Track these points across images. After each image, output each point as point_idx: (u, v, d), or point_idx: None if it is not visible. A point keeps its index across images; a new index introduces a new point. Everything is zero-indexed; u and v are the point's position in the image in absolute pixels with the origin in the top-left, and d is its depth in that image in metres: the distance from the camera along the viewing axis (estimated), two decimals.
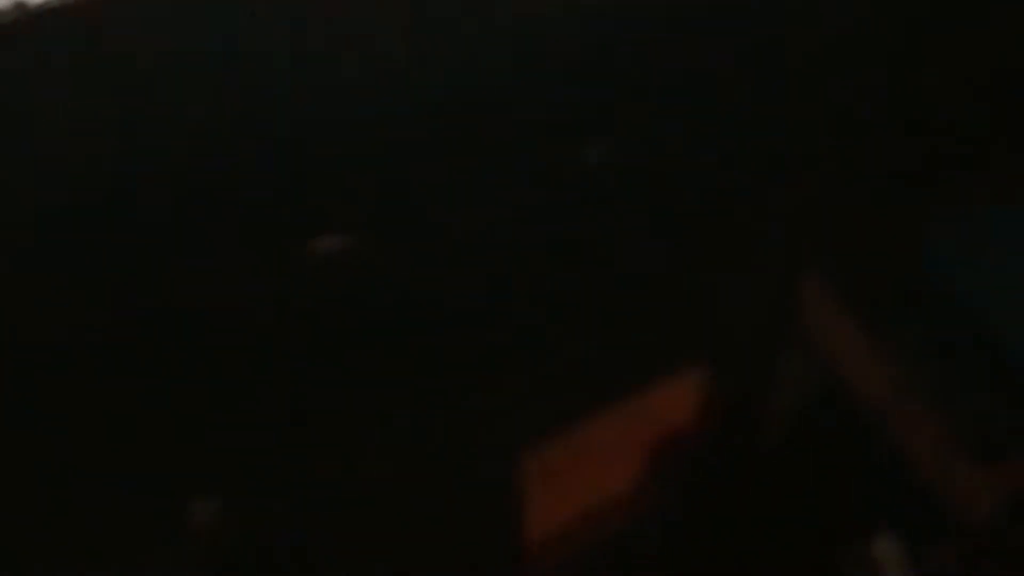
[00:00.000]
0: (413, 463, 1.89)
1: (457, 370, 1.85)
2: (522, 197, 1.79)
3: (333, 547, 1.96)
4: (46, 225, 1.24)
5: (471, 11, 1.46)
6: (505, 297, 1.84)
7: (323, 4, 1.37)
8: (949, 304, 2.09)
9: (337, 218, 1.53)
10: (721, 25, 1.72)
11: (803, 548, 2.43)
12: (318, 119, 1.42)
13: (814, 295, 2.14)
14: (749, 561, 2.44)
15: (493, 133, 1.58)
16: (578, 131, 1.70)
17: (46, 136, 1.17)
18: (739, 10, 1.73)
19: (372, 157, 1.48)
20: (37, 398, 1.38)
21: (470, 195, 1.64)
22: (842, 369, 2.23)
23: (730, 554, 2.45)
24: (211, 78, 1.28)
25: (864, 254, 2.26)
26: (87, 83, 1.18)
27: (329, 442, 1.76)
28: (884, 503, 2.34)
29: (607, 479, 2.55)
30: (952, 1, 1.89)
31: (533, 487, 2.31)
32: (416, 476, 1.94)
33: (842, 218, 2.09)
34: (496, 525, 2.38)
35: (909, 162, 2.01)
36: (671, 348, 2.26)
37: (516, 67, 1.53)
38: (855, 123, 1.97)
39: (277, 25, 1.31)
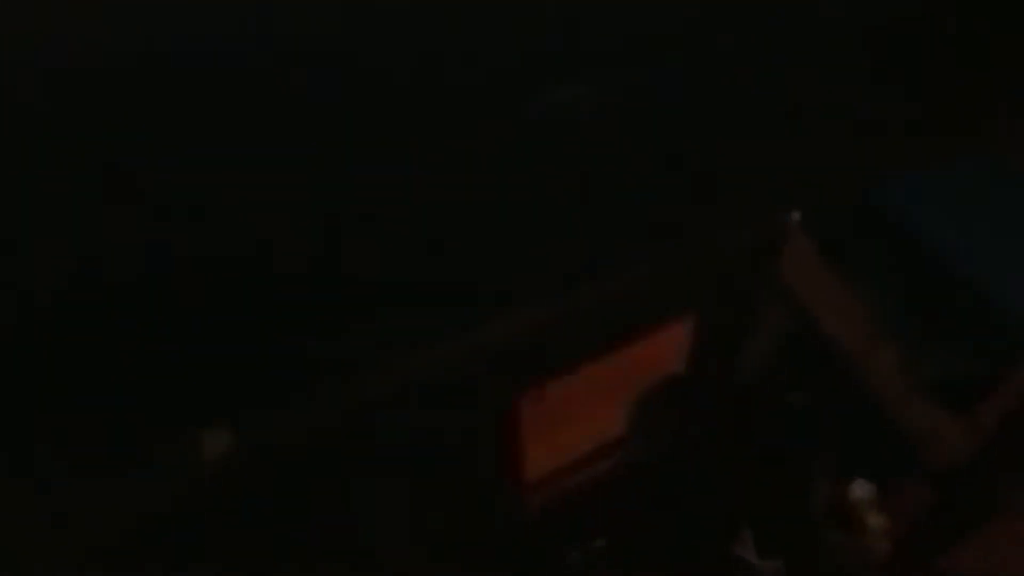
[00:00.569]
0: (414, 409, 1.97)
1: (455, 317, 1.90)
2: (527, 145, 1.81)
3: (337, 483, 2.08)
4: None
5: None
6: (504, 247, 1.88)
7: None
8: (923, 255, 2.11)
9: None
10: None
11: (781, 490, 2.52)
12: None
13: (793, 247, 2.18)
14: (730, 499, 2.54)
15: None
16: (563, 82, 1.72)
17: None
18: None
19: None
20: (48, 332, 1.46)
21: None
22: (818, 318, 2.27)
23: (712, 492, 2.55)
24: None
25: (840, 207, 2.28)
26: None
27: (334, 381, 1.83)
28: (858, 448, 2.41)
29: (599, 422, 2.65)
30: None
31: (529, 430, 2.38)
32: (416, 421, 2.02)
33: (819, 173, 2.11)
34: (493, 466, 2.48)
35: (880, 118, 2.02)
36: (659, 300, 2.31)
37: None
38: (835, 83, 1.98)
39: None
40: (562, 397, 2.37)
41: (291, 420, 1.83)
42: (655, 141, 1.95)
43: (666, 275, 2.18)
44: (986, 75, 2.03)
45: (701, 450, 2.54)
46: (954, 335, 2.11)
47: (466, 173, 1.80)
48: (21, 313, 1.47)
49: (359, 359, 1.86)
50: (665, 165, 1.98)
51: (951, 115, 2.07)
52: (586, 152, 1.90)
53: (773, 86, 1.98)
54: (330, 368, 1.84)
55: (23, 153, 1.29)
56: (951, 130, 2.10)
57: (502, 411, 2.26)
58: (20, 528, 1.62)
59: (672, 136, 1.96)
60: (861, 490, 2.36)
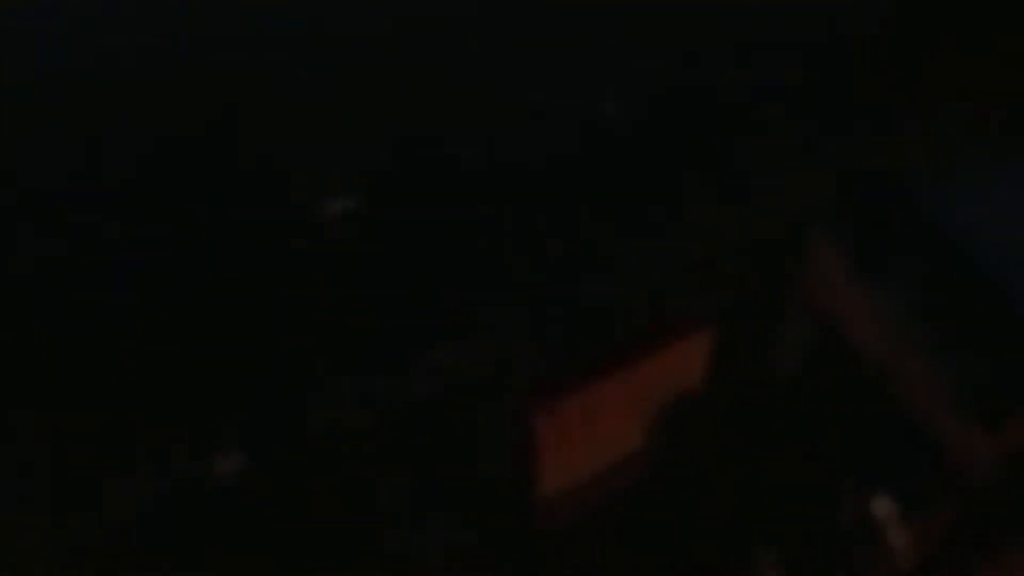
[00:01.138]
0: (431, 424, 1.94)
1: (473, 334, 1.88)
2: (538, 154, 1.82)
3: (351, 502, 2.03)
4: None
5: None
6: (522, 265, 1.87)
7: None
8: (955, 264, 2.09)
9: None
10: None
11: (805, 506, 2.47)
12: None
13: (817, 257, 2.16)
14: (752, 516, 2.49)
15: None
16: (597, 86, 1.75)
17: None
18: None
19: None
20: (72, 356, 1.45)
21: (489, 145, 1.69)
22: (843, 330, 2.25)
23: (733, 509, 2.49)
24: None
25: (864, 216, 2.27)
26: None
27: (350, 403, 1.81)
28: (883, 461, 2.37)
29: (617, 438, 2.61)
30: None
31: (547, 446, 2.35)
32: (434, 436, 1.98)
33: (843, 182, 2.11)
34: (511, 481, 2.43)
35: (903, 127, 2.02)
36: (680, 314, 2.29)
37: None
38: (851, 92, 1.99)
39: None
40: (580, 410, 2.33)
41: (307, 433, 1.80)
42: (679, 148, 1.96)
43: (686, 285, 2.17)
44: (1003, 75, 2.04)
45: (721, 465, 2.50)
46: (985, 348, 2.09)
47: (485, 182, 1.80)
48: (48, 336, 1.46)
49: (380, 368, 1.84)
50: (687, 173, 1.98)
51: (991, 120, 2.08)
52: (600, 159, 1.90)
53: (799, 92, 1.99)
54: (355, 375, 1.81)
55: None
56: (983, 137, 2.11)
57: (520, 424, 2.23)
58: (35, 532, 1.57)
59: (696, 143, 1.97)
60: (885, 508, 2.31)
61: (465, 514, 2.21)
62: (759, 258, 2.11)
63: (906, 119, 2.13)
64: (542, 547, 2.52)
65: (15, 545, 1.53)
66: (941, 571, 2.37)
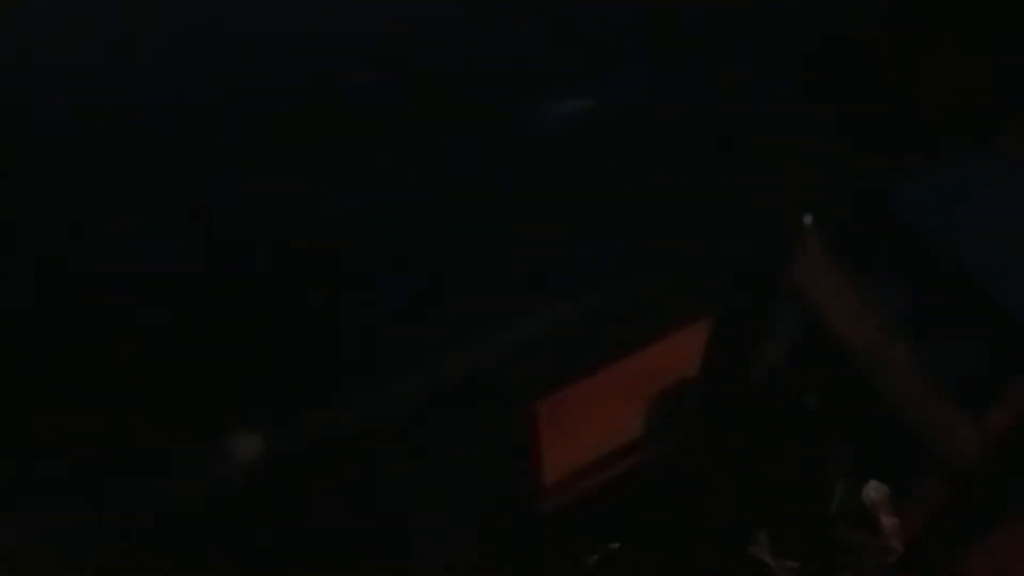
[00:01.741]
0: (437, 414, 2.00)
1: (476, 324, 1.93)
2: (542, 151, 1.85)
3: (361, 487, 2.12)
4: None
5: None
6: (520, 260, 1.92)
7: None
8: (935, 255, 2.13)
9: None
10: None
11: (796, 491, 2.54)
12: None
13: (806, 249, 2.21)
14: (745, 500, 2.57)
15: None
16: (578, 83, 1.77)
17: None
18: None
19: None
20: (83, 337, 1.50)
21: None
22: (831, 320, 2.30)
23: (727, 494, 2.58)
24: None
25: (852, 209, 2.31)
26: None
27: (361, 388, 1.86)
28: (871, 448, 2.43)
29: (615, 425, 2.68)
30: None
31: (546, 433, 2.41)
32: (439, 425, 2.05)
33: (832, 176, 2.15)
34: (513, 467, 2.51)
35: (890, 124, 2.06)
36: (674, 305, 2.34)
37: None
38: (844, 91, 2.03)
39: None
40: (579, 400, 2.39)
41: (320, 422, 1.86)
42: (668, 146, 1.99)
43: (681, 280, 2.21)
44: (993, 76, 2.07)
45: (716, 452, 2.57)
46: (966, 336, 2.14)
47: (485, 180, 1.84)
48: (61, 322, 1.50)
49: (385, 363, 1.89)
50: (678, 170, 2.01)
51: (960, 116, 2.11)
52: (600, 158, 1.94)
53: (782, 89, 2.03)
54: (359, 372, 1.87)
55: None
56: (960, 131, 2.14)
57: (520, 414, 2.29)
58: (44, 529, 1.65)
59: (685, 141, 2.00)
60: (875, 491, 2.38)
61: (465, 505, 2.27)
62: (753, 253, 2.15)
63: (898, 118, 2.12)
64: (540, 536, 2.61)
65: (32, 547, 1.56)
66: (929, 554, 2.43)
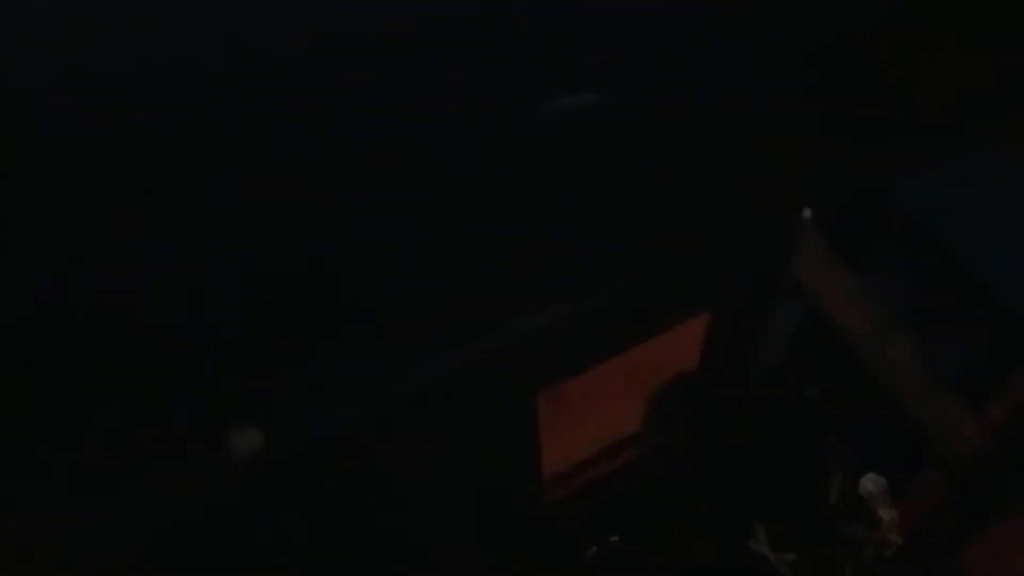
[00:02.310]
0: (441, 407, 2.00)
1: (480, 317, 1.93)
2: (539, 149, 1.85)
3: (362, 479, 2.12)
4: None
5: None
6: (521, 256, 1.92)
7: None
8: (936, 250, 2.14)
9: None
10: None
11: (795, 483, 2.55)
12: None
13: (806, 243, 2.21)
14: (744, 493, 2.58)
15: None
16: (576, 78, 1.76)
17: None
18: None
19: None
20: (89, 323, 1.50)
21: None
22: (832, 313, 2.31)
23: (726, 486, 2.58)
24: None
25: (852, 204, 2.31)
26: None
27: (362, 382, 1.86)
28: (871, 441, 2.44)
29: (615, 419, 2.69)
30: None
31: (545, 427, 2.42)
32: (443, 417, 2.06)
33: (832, 172, 2.15)
34: (515, 458, 2.51)
35: (890, 120, 2.06)
36: (675, 299, 2.34)
37: None
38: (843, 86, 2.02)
39: None
40: (579, 394, 2.40)
41: (319, 418, 1.86)
42: (668, 142, 1.99)
43: (681, 274, 2.21)
44: (994, 73, 2.07)
45: (715, 445, 2.58)
46: (967, 330, 2.14)
47: (483, 177, 1.84)
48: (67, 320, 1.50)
49: (386, 359, 1.89)
50: (678, 165, 2.01)
51: (960, 113, 2.11)
52: (599, 155, 1.94)
53: (782, 86, 2.02)
54: (360, 368, 1.87)
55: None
56: (960, 127, 2.14)
57: (521, 407, 2.30)
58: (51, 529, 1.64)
59: (685, 136, 1.99)
60: (872, 484, 2.39)
61: (465, 497, 2.28)
62: (753, 248, 2.15)
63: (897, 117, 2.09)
64: (539, 529, 2.62)
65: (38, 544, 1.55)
66: (928, 547, 2.43)
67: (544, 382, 2.26)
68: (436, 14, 1.54)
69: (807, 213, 2.22)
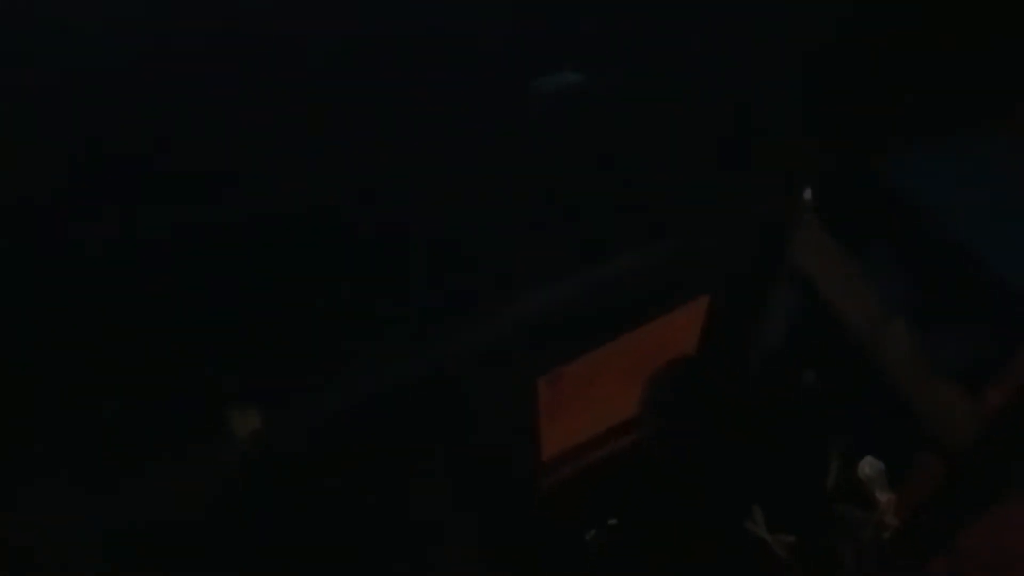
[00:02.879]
0: (439, 390, 2.00)
1: (479, 304, 1.93)
2: (539, 129, 1.83)
3: (361, 462, 2.12)
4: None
5: None
6: (519, 239, 1.91)
7: None
8: (934, 234, 2.13)
9: None
10: None
11: (793, 467, 2.56)
12: None
13: (805, 227, 2.21)
14: (742, 476, 2.58)
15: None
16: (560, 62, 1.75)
17: None
18: None
19: None
20: (80, 307, 1.50)
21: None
22: (830, 298, 2.30)
23: (725, 470, 2.59)
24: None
25: (851, 188, 2.30)
26: None
27: (362, 365, 1.86)
28: (869, 426, 2.44)
29: (614, 403, 2.69)
30: None
31: (545, 410, 2.42)
32: (441, 401, 2.06)
33: (829, 158, 2.14)
34: (514, 443, 2.52)
35: (886, 108, 2.04)
36: (674, 283, 2.33)
37: None
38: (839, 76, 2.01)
39: None
40: (578, 378, 2.40)
41: (321, 399, 1.86)
42: (665, 121, 1.97)
43: (680, 257, 2.20)
44: (994, 53, 2.05)
45: (714, 429, 2.58)
46: (965, 314, 2.13)
47: (482, 162, 1.83)
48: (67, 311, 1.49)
49: (386, 341, 1.89)
50: (675, 145, 1.99)
51: (961, 94, 2.09)
52: (596, 135, 1.92)
53: (782, 65, 2.00)
54: (360, 348, 1.86)
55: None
56: (959, 113, 2.13)
57: (520, 392, 2.30)
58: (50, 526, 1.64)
59: (682, 116, 1.97)
60: (870, 467, 2.39)
61: (465, 483, 2.27)
62: (753, 232, 2.13)
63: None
64: (538, 513, 2.63)
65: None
66: (926, 530, 2.44)
67: (543, 366, 2.26)
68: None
69: (807, 194, 2.20)
